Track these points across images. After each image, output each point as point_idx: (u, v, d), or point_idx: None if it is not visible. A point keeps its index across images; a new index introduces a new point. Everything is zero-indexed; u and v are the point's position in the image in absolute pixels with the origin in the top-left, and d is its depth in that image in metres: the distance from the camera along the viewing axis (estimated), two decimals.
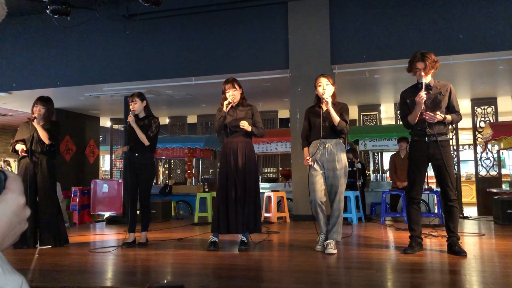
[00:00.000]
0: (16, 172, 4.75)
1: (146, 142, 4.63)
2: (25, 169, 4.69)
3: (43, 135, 4.64)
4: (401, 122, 4.16)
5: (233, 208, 4.17)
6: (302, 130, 4.33)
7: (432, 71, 3.84)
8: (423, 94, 3.71)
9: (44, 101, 4.81)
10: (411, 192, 3.97)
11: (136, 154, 4.65)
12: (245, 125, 4.19)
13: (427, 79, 3.82)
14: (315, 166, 4.10)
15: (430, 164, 3.97)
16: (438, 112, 3.74)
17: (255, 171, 4.33)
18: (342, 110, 4.10)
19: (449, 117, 3.79)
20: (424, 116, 3.76)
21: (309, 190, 4.14)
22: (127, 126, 4.74)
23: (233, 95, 4.29)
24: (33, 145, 4.70)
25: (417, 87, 3.86)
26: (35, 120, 4.63)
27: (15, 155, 4.88)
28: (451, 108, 3.88)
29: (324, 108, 4.12)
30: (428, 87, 3.81)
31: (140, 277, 3.35)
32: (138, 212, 4.82)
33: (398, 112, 4.17)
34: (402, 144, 7.36)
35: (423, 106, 3.76)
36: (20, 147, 4.69)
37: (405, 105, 3.98)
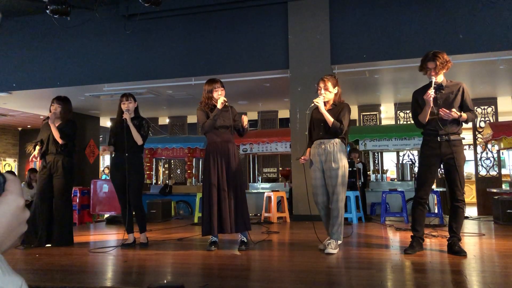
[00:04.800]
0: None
1: (140, 141, 4.63)
2: (43, 169, 4.73)
3: (56, 135, 4.66)
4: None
5: (226, 208, 4.18)
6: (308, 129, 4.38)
7: (443, 71, 3.82)
8: (431, 92, 3.69)
9: (60, 100, 4.84)
10: (419, 192, 3.92)
11: (127, 154, 4.58)
12: (245, 120, 4.33)
13: (439, 78, 3.80)
14: (315, 166, 4.12)
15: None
16: (453, 109, 3.72)
17: (241, 171, 4.42)
18: (340, 111, 4.12)
19: (464, 115, 3.74)
20: (440, 112, 3.72)
21: (313, 194, 4.17)
22: (119, 125, 4.68)
23: (222, 95, 4.31)
24: (49, 145, 4.73)
25: (428, 87, 3.84)
26: (48, 119, 4.66)
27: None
28: (465, 107, 3.83)
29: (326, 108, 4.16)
30: (440, 86, 3.78)
31: (140, 277, 3.34)
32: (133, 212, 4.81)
33: (410, 112, 4.13)
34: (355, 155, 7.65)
35: (431, 104, 3.74)
36: (35, 151, 4.77)
37: (416, 104, 3.97)
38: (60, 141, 4.68)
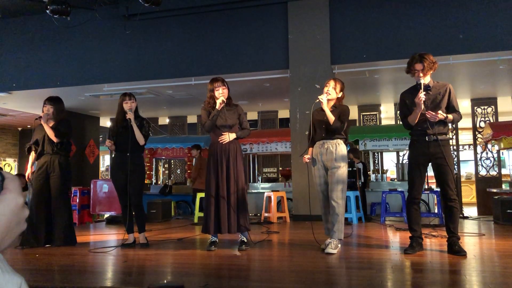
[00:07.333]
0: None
1: (142, 141, 4.62)
2: (39, 169, 4.73)
3: (50, 134, 4.67)
4: (401, 122, 4.18)
5: (225, 208, 4.18)
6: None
7: (431, 72, 3.87)
8: (422, 95, 3.73)
9: (52, 100, 4.83)
10: (411, 192, 3.96)
11: (128, 154, 4.56)
12: (227, 137, 4.25)
13: (425, 80, 3.84)
14: (318, 167, 4.15)
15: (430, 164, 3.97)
16: (440, 111, 3.75)
17: (243, 171, 4.38)
18: (340, 112, 4.16)
19: (450, 116, 3.80)
20: (426, 115, 3.76)
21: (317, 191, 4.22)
22: (121, 125, 4.66)
23: (223, 93, 4.28)
24: (45, 145, 4.74)
25: (416, 88, 3.88)
26: (41, 119, 4.67)
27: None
28: (451, 108, 3.89)
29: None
30: (427, 87, 3.84)
31: (140, 277, 3.34)
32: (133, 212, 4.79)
33: (398, 112, 4.19)
34: (193, 151, 8.44)
35: (423, 107, 3.77)
36: (30, 156, 4.85)
37: (405, 106, 4.01)
38: (55, 139, 4.68)
